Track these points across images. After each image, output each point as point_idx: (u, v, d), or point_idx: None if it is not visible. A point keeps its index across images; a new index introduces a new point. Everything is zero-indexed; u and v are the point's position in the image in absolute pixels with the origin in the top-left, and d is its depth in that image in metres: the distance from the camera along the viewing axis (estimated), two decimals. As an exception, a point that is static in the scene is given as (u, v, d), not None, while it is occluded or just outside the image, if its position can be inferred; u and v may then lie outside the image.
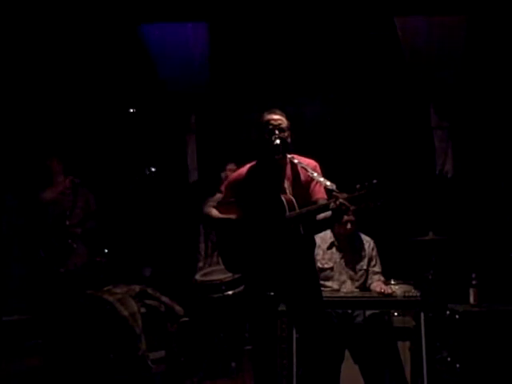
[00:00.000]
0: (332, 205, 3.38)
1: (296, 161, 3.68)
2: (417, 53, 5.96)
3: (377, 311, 4.53)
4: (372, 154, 6.19)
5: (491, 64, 5.95)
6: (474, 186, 6.04)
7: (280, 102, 5.65)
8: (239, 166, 3.99)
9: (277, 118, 3.68)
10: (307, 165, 3.64)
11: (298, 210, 3.52)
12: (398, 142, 6.24)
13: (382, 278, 4.79)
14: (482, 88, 6.03)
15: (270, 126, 3.65)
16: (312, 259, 3.82)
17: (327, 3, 5.80)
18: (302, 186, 3.67)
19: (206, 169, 6.44)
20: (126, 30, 6.14)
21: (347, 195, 3.36)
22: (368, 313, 4.54)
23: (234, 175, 3.94)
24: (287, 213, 3.50)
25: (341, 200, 3.34)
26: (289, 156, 3.71)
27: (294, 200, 3.57)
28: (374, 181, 3.29)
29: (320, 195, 3.63)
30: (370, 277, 4.77)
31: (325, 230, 4.72)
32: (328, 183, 3.45)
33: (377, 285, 4.65)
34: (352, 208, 4.51)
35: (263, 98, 6.15)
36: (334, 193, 3.39)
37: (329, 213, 3.47)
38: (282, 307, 3.78)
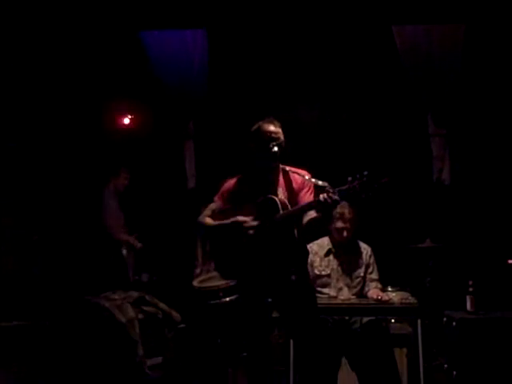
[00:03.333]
0: (320, 197, 3.40)
1: (288, 168, 3.76)
2: (414, 60, 5.96)
3: (374, 318, 4.53)
4: (369, 160, 6.19)
5: (489, 72, 5.97)
6: (471, 193, 6.04)
7: (278, 108, 5.70)
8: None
9: (275, 130, 3.74)
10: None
11: (290, 209, 3.55)
12: (396, 148, 6.24)
13: (379, 286, 4.78)
14: (479, 95, 6.05)
15: (268, 137, 3.69)
16: (305, 266, 3.84)
17: (326, 11, 5.81)
18: (295, 194, 3.72)
19: (204, 175, 6.44)
20: (125, 37, 6.15)
21: (339, 188, 3.38)
22: (365, 320, 4.53)
23: (228, 184, 3.95)
24: (280, 212, 3.53)
25: (328, 192, 3.37)
26: (281, 166, 3.78)
27: (287, 202, 3.61)
28: (365, 172, 3.32)
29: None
30: (367, 284, 4.77)
31: (317, 229, 4.69)
32: (320, 182, 3.51)
33: (374, 292, 4.65)
34: (350, 211, 4.61)
35: (261, 104, 6.17)
36: (327, 188, 3.42)
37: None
38: (276, 314, 3.78)
